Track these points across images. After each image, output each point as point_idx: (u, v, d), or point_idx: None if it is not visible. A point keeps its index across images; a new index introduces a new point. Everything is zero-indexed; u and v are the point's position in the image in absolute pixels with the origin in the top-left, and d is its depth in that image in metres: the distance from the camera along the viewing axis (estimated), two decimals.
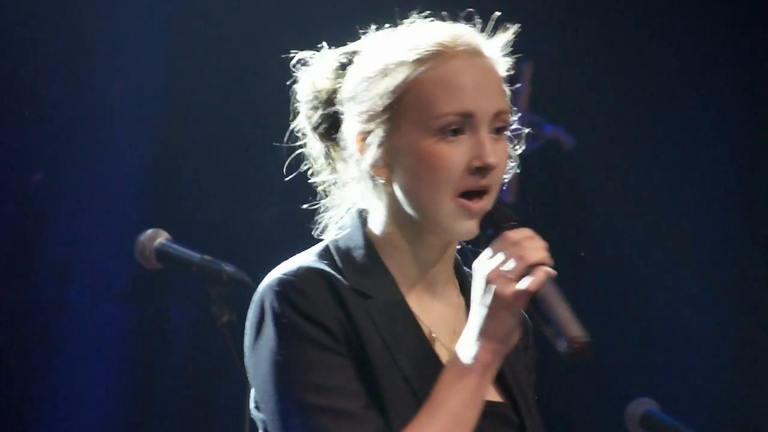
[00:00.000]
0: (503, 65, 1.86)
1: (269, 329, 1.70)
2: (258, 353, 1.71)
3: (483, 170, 1.76)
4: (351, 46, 1.90)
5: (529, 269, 1.68)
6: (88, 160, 4.45)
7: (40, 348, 4.39)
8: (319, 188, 1.91)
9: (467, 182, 1.76)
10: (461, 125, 1.76)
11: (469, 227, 1.77)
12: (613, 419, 4.33)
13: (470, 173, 1.76)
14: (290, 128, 1.92)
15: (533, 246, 1.70)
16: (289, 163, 1.96)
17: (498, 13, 1.86)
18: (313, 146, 1.91)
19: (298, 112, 1.90)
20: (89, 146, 4.45)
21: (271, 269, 1.85)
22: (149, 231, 3.34)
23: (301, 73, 1.89)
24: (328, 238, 1.86)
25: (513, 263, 1.68)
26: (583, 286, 4.90)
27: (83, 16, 4.34)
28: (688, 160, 4.98)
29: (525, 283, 1.67)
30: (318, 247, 1.84)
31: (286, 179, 1.98)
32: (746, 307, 4.88)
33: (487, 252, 1.71)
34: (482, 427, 1.73)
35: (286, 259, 1.87)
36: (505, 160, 1.81)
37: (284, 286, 1.73)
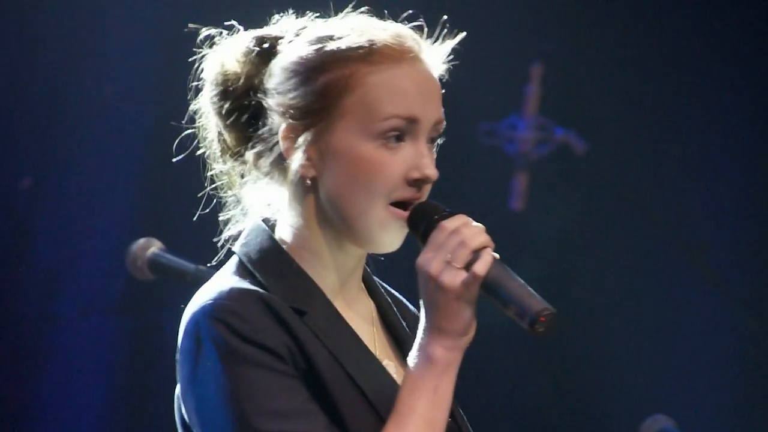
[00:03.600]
0: (440, 72, 1.84)
1: (210, 359, 1.67)
2: (201, 385, 1.67)
3: (421, 182, 1.75)
4: (268, 31, 1.85)
5: (473, 254, 1.67)
6: (77, 165, 4.45)
7: (26, 361, 4.39)
8: (217, 179, 1.89)
9: (403, 193, 1.75)
10: (404, 131, 1.75)
11: (395, 237, 1.76)
12: None
13: (408, 184, 1.75)
14: (190, 109, 1.89)
15: (472, 231, 1.69)
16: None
17: (445, 17, 1.84)
18: (211, 131, 1.88)
19: (199, 91, 1.87)
20: (79, 151, 4.46)
21: None
22: (141, 240, 3.33)
23: (209, 52, 1.86)
24: (239, 253, 1.83)
25: (456, 251, 1.67)
26: (596, 297, 4.90)
27: (73, 16, 4.35)
28: (704, 166, 4.97)
29: (473, 269, 1.66)
30: (232, 266, 1.82)
31: None
32: (766, 321, 4.88)
33: (426, 247, 1.70)
34: None
35: None
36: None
37: (219, 312, 1.71)
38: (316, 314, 1.73)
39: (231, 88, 1.82)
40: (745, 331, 4.85)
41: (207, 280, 3.12)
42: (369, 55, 1.74)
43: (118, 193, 4.46)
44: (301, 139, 1.75)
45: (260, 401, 1.64)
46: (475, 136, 4.83)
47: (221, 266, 1.77)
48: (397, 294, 1.95)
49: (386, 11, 1.84)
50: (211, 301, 1.72)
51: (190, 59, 1.89)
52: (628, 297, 4.92)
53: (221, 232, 1.90)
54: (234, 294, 1.72)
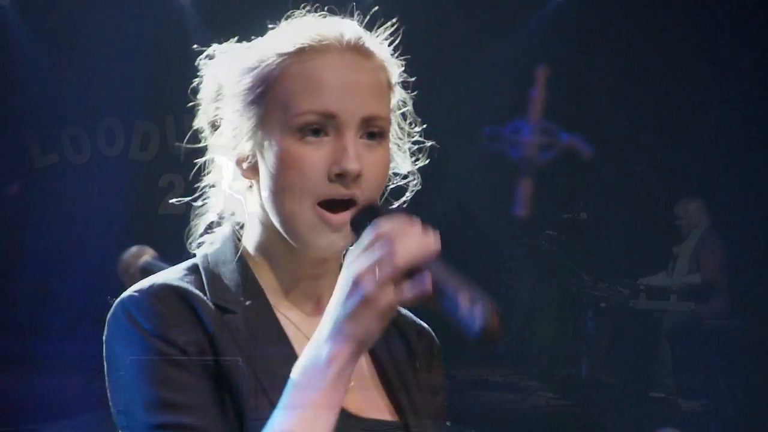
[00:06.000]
0: (391, 69, 1.81)
1: (117, 347, 1.74)
2: (110, 371, 1.75)
3: (343, 177, 1.72)
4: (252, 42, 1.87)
5: (407, 271, 1.63)
6: (67, 171, 4.45)
7: (14, 373, 4.39)
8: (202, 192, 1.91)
9: (328, 190, 1.72)
10: (323, 126, 1.73)
11: (330, 240, 1.72)
12: None
13: (330, 180, 1.72)
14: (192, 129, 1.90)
15: (409, 240, 1.64)
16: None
17: (376, 8, 1.82)
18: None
19: (198, 111, 1.88)
20: (69, 156, 4.45)
21: None
22: (134, 248, 3.33)
23: (205, 69, 1.86)
24: (198, 254, 1.85)
25: (386, 265, 1.63)
26: (604, 301, 4.90)
27: (67, 16, 4.35)
28: (711, 171, 4.97)
29: (400, 293, 1.61)
30: (187, 263, 1.84)
31: None
32: None
33: (358, 243, 1.65)
34: None
35: None
36: (381, 168, 1.76)
37: (132, 303, 1.76)
38: (243, 314, 1.76)
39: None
40: (758, 343, 4.85)
41: None
42: (290, 50, 1.75)
43: (109, 199, 4.46)
44: (240, 139, 1.78)
45: (150, 392, 1.70)
46: (479, 140, 4.83)
47: None
48: (413, 321, 1.91)
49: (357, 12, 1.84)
50: (129, 294, 1.78)
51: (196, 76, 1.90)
52: (635, 303, 4.92)
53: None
54: (153, 288, 1.77)
